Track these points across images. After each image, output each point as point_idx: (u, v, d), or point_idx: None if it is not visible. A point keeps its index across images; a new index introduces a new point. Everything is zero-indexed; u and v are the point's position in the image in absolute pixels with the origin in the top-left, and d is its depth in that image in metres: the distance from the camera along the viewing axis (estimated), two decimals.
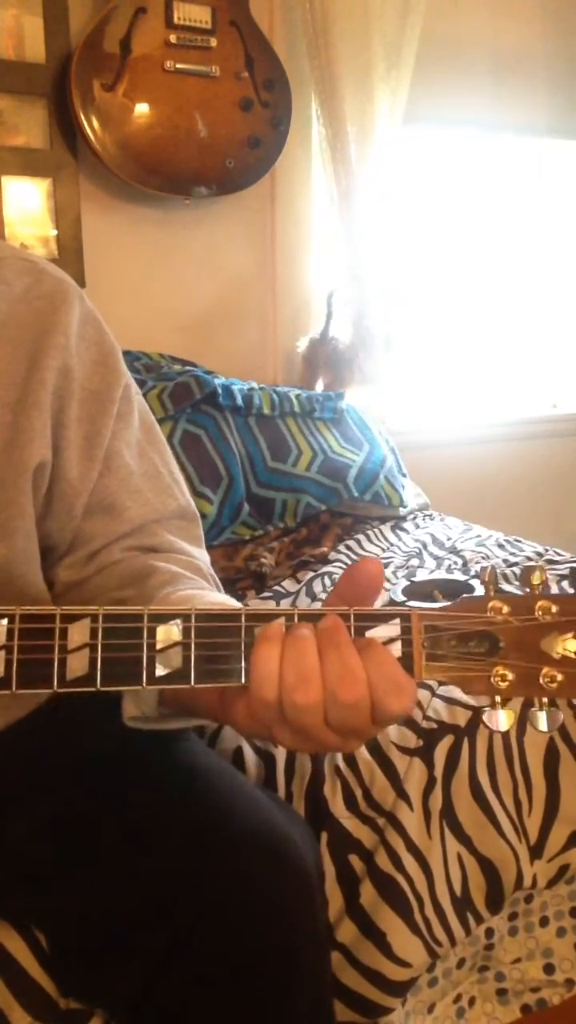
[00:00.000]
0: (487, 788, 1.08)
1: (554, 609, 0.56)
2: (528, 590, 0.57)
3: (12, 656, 0.54)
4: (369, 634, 0.55)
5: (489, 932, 1.16)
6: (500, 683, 0.55)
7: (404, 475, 2.06)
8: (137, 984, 0.70)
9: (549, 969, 1.20)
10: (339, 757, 1.05)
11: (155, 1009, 0.70)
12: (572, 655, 0.55)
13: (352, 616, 0.56)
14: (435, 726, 1.09)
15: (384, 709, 0.54)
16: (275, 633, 0.54)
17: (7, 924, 0.79)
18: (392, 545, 1.79)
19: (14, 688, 0.54)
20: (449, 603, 0.57)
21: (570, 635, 0.56)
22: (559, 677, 0.55)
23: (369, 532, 1.86)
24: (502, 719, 0.56)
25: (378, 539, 1.82)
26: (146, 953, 0.70)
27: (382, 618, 0.56)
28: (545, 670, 0.55)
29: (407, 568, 1.62)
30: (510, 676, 0.55)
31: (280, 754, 1.05)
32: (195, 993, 0.70)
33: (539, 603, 0.56)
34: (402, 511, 1.99)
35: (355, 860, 1.02)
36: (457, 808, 1.06)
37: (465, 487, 2.44)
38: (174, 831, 0.73)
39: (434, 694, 1.14)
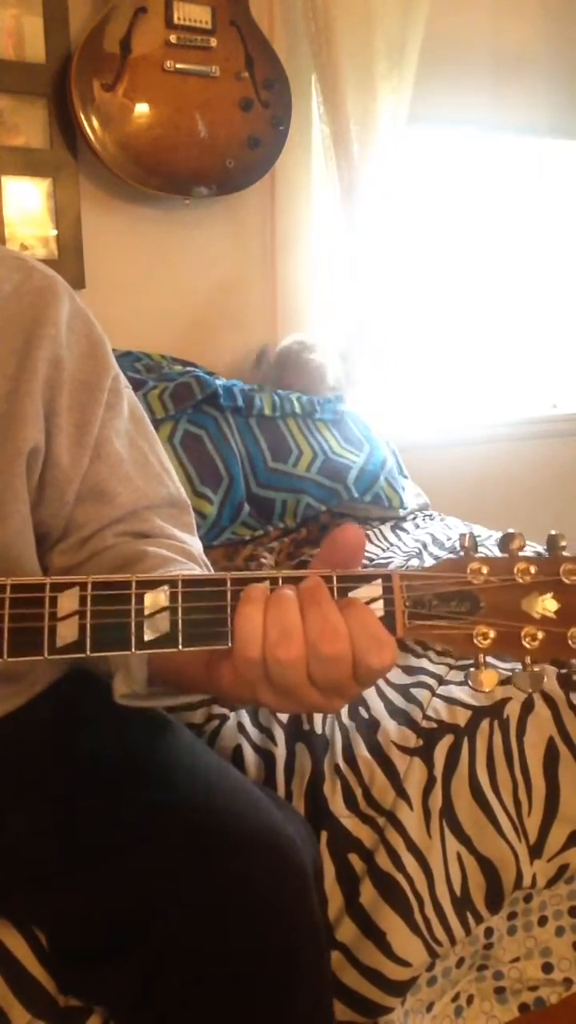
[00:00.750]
0: (487, 788, 1.08)
1: (533, 570, 0.57)
2: (508, 555, 0.58)
3: (3, 625, 0.55)
4: (352, 594, 0.57)
5: (488, 931, 1.16)
6: (482, 641, 0.57)
7: (405, 476, 2.06)
8: (136, 982, 0.71)
9: (547, 968, 1.20)
10: (339, 756, 1.05)
11: (154, 1007, 0.71)
12: (551, 614, 0.57)
13: (335, 578, 0.57)
14: (435, 726, 1.09)
15: (366, 664, 0.55)
16: (258, 594, 0.55)
17: (7, 922, 0.79)
18: (392, 545, 1.79)
19: (5, 656, 0.54)
20: (431, 564, 0.59)
21: (549, 595, 0.57)
22: (540, 635, 0.57)
23: (369, 532, 1.86)
24: (485, 679, 0.57)
25: (378, 539, 1.82)
26: (145, 951, 0.70)
27: (364, 579, 0.57)
28: (526, 629, 0.57)
29: (407, 568, 1.62)
30: (491, 635, 0.57)
31: (280, 753, 1.05)
32: (194, 992, 0.70)
33: (518, 565, 0.58)
34: (402, 512, 1.99)
35: (355, 859, 1.02)
36: (457, 808, 1.06)
37: (465, 487, 2.43)
38: (173, 830, 0.73)
39: (434, 694, 1.14)
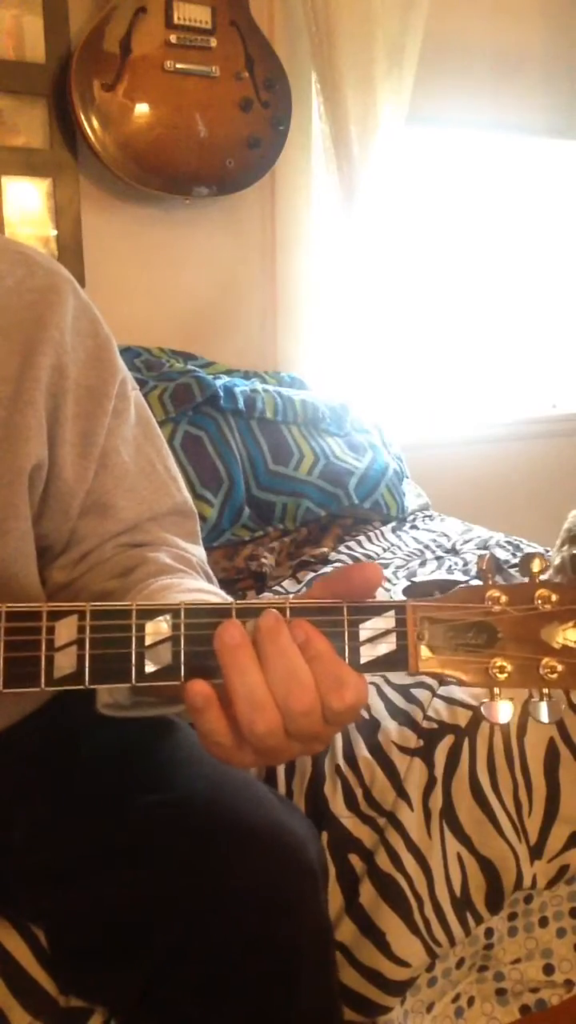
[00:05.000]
0: (487, 788, 1.08)
1: (554, 598, 0.54)
2: (528, 579, 0.55)
3: None
4: (364, 627, 0.54)
5: (489, 932, 1.16)
6: (498, 675, 0.54)
7: (407, 478, 2.06)
8: (140, 981, 0.70)
9: (548, 970, 1.19)
10: (339, 756, 1.05)
11: (157, 1007, 0.70)
12: (573, 645, 0.54)
13: (346, 610, 0.54)
14: (435, 726, 1.09)
15: (330, 708, 0.52)
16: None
17: (7, 923, 0.79)
18: (392, 545, 1.78)
19: (1, 687, 0.53)
20: (445, 593, 0.55)
21: (571, 624, 0.54)
22: (559, 668, 0.54)
23: (370, 532, 1.86)
24: (501, 711, 0.54)
25: (378, 539, 1.82)
26: (149, 950, 0.70)
27: (376, 610, 0.54)
28: (545, 660, 0.54)
29: (407, 568, 1.62)
30: (509, 667, 0.54)
31: None
32: (198, 991, 0.70)
33: (539, 592, 0.54)
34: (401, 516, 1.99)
35: (355, 859, 1.02)
36: (457, 808, 1.06)
37: (465, 487, 2.43)
38: (178, 829, 0.73)
39: (434, 694, 1.14)
